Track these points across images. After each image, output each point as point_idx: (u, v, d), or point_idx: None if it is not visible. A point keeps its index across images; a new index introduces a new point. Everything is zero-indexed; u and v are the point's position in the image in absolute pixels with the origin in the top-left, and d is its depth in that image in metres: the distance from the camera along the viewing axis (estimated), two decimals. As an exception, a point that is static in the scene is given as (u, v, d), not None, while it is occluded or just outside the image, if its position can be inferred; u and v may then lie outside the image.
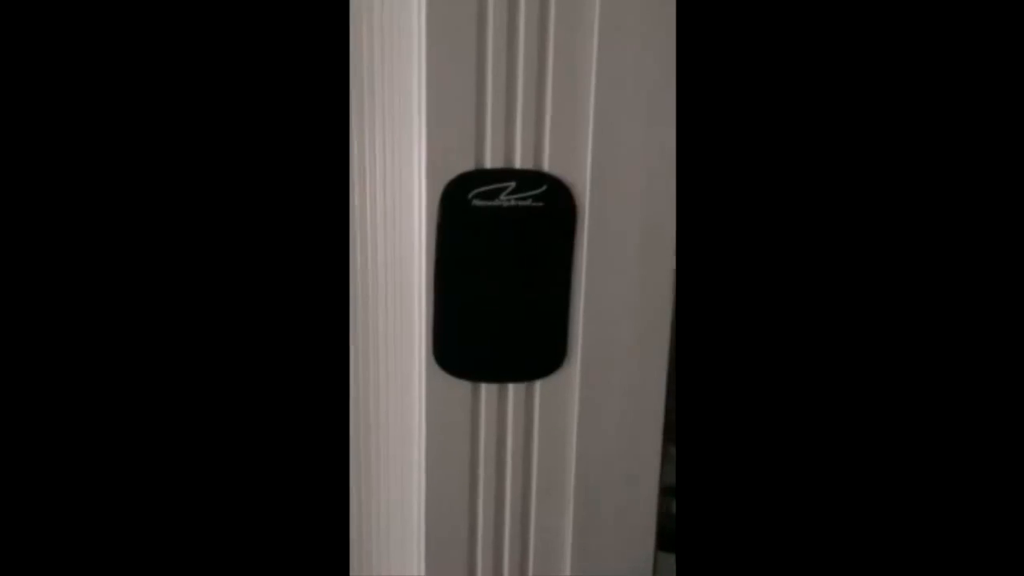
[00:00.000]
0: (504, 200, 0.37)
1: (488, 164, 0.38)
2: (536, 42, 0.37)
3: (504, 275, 0.37)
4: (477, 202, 0.37)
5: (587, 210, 0.38)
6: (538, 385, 0.40)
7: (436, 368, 0.38)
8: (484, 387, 0.39)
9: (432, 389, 0.39)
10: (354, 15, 0.40)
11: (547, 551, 0.43)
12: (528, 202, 0.38)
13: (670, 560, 0.56)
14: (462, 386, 0.39)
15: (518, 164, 0.38)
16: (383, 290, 0.44)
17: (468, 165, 0.38)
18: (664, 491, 0.56)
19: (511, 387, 0.39)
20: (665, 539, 0.51)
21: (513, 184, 0.37)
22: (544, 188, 0.37)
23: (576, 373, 0.40)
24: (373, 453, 0.47)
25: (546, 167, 0.38)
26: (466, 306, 0.38)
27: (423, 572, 0.42)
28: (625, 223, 0.38)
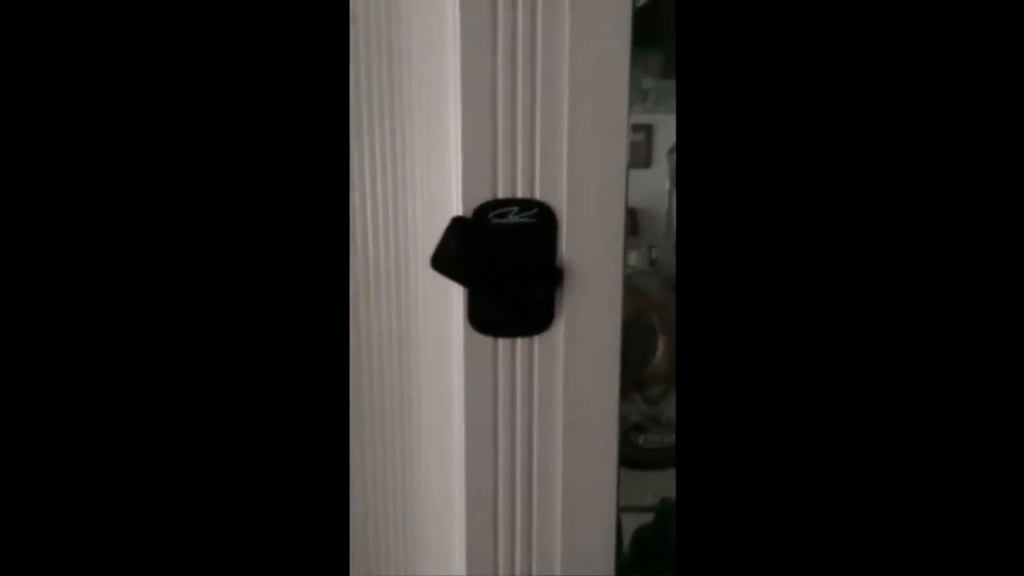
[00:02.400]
0: (511, 219, 0.56)
1: (500, 195, 0.56)
2: (529, 107, 0.54)
3: (512, 266, 0.56)
4: (494, 220, 0.56)
5: (564, 223, 0.56)
6: (536, 339, 0.56)
7: (470, 328, 0.57)
8: (500, 341, 0.56)
9: (468, 342, 0.55)
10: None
11: (543, 467, 0.59)
12: (526, 219, 0.56)
13: (632, 474, 0.75)
14: (486, 340, 0.55)
15: (519, 194, 0.56)
16: (422, 279, 0.64)
17: (487, 196, 0.53)
18: (633, 427, 0.75)
19: (519, 341, 0.56)
20: (627, 461, 0.70)
21: (516, 208, 0.55)
22: (536, 210, 0.56)
23: (560, 332, 0.56)
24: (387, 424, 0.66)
25: (537, 196, 0.54)
26: (487, 285, 0.57)
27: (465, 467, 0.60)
28: (587, 231, 0.54)
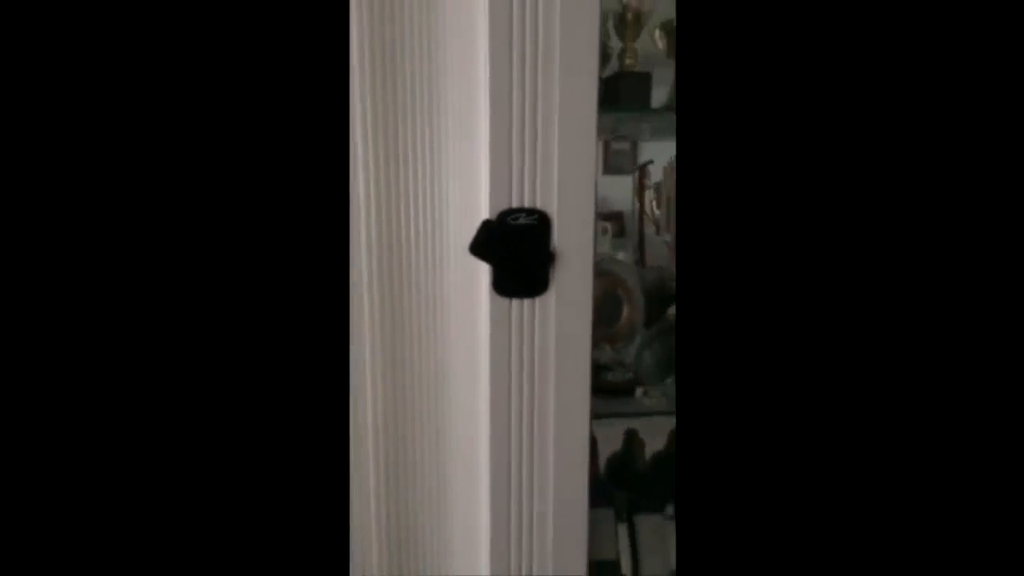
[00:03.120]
0: (521, 221, 0.84)
1: (514, 204, 0.86)
2: (532, 149, 0.85)
3: (521, 250, 0.85)
4: (510, 221, 0.85)
5: (555, 224, 0.86)
6: (537, 300, 0.83)
7: (495, 293, 0.86)
8: (514, 301, 0.84)
9: (493, 303, 0.86)
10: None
11: (542, 387, 0.90)
12: (531, 221, 0.84)
13: (599, 398, 1.03)
14: (505, 301, 0.84)
15: (526, 204, 0.86)
16: (455, 262, 0.93)
17: (505, 205, 0.85)
18: (603, 367, 1.04)
19: (525, 301, 0.85)
20: (597, 390, 0.97)
21: (524, 213, 0.85)
22: (536, 216, 0.84)
23: (553, 295, 0.82)
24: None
25: (538, 205, 0.85)
26: (506, 264, 0.86)
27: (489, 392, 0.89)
28: (567, 229, 0.83)
